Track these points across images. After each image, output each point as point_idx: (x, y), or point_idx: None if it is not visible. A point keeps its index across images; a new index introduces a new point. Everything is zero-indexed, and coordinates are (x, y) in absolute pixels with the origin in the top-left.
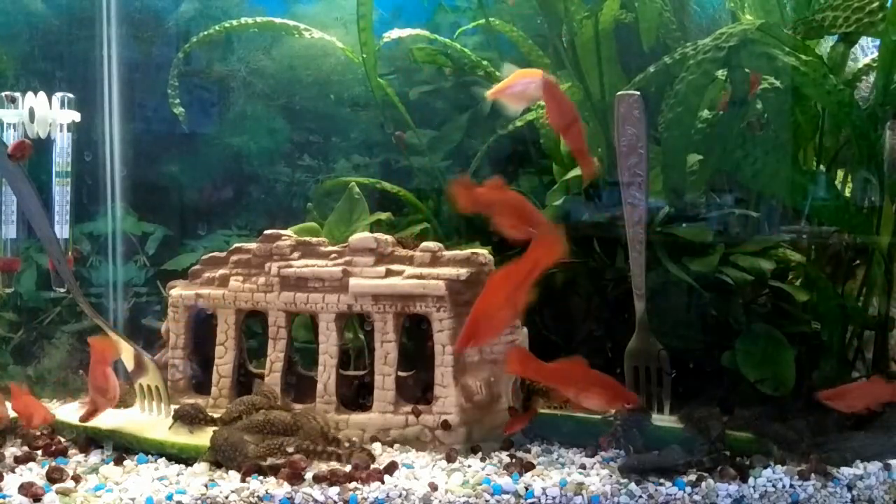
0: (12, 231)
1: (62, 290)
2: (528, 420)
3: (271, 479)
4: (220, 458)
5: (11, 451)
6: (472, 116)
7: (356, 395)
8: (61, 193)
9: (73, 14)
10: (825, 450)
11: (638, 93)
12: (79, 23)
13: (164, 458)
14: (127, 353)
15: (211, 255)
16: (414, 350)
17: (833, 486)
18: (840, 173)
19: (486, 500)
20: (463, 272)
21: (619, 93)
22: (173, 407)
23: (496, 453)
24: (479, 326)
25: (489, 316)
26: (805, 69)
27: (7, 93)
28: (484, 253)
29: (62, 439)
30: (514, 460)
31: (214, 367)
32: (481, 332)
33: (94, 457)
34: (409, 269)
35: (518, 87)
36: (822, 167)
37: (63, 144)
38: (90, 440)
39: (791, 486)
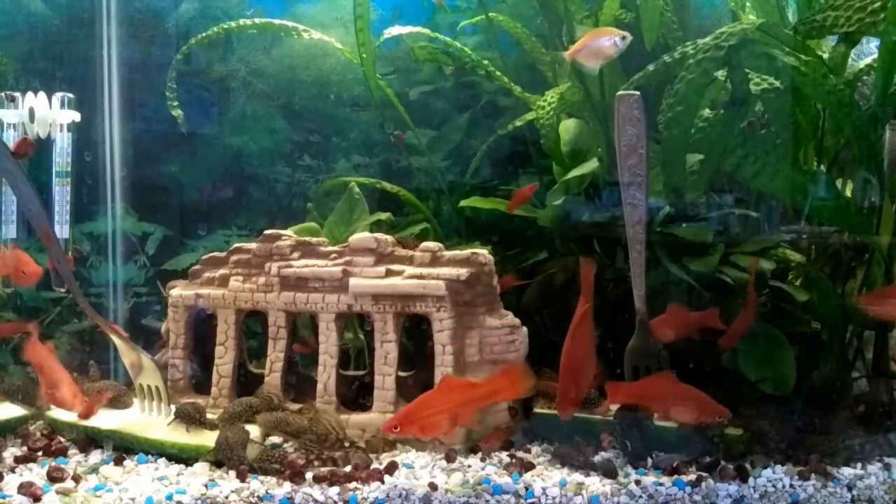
0: (12, 231)
1: (62, 290)
2: (505, 436)
3: (271, 479)
4: (222, 456)
5: (11, 451)
6: (472, 116)
7: (356, 395)
8: (61, 193)
9: (73, 14)
10: (808, 450)
11: (638, 93)
12: (79, 23)
13: (164, 458)
14: (128, 353)
15: (211, 255)
16: (414, 350)
17: (833, 486)
18: (840, 173)
19: (486, 500)
20: (463, 272)
21: (619, 93)
22: (173, 407)
23: (496, 453)
24: (413, 417)
25: (426, 414)
26: (805, 69)
27: (7, 92)
28: (484, 253)
29: (62, 439)
30: (514, 460)
31: (214, 367)
32: (413, 423)
33: (94, 457)
34: (409, 269)
35: (594, 45)
36: (822, 167)
37: (63, 144)
38: (90, 440)
39: (791, 486)
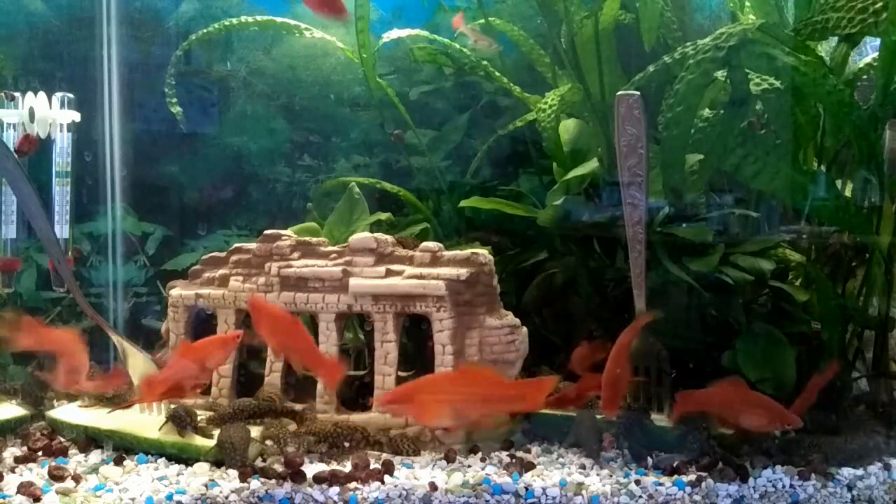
0: (12, 231)
1: (62, 290)
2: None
3: (271, 479)
4: (224, 456)
5: (11, 451)
6: (472, 116)
7: (356, 395)
8: (61, 193)
9: (73, 14)
10: (806, 450)
11: (638, 93)
12: (79, 23)
13: (164, 458)
14: (131, 356)
15: (211, 255)
16: (414, 350)
17: (833, 486)
18: (840, 173)
19: (486, 500)
20: (463, 272)
21: (619, 93)
22: (173, 406)
23: (496, 453)
24: (413, 395)
25: (429, 397)
26: (805, 69)
27: (7, 92)
28: (484, 253)
29: (62, 439)
30: (514, 460)
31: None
32: (411, 403)
33: (94, 457)
34: (409, 269)
35: None
36: (822, 167)
37: (63, 144)
38: (90, 440)
39: (791, 486)
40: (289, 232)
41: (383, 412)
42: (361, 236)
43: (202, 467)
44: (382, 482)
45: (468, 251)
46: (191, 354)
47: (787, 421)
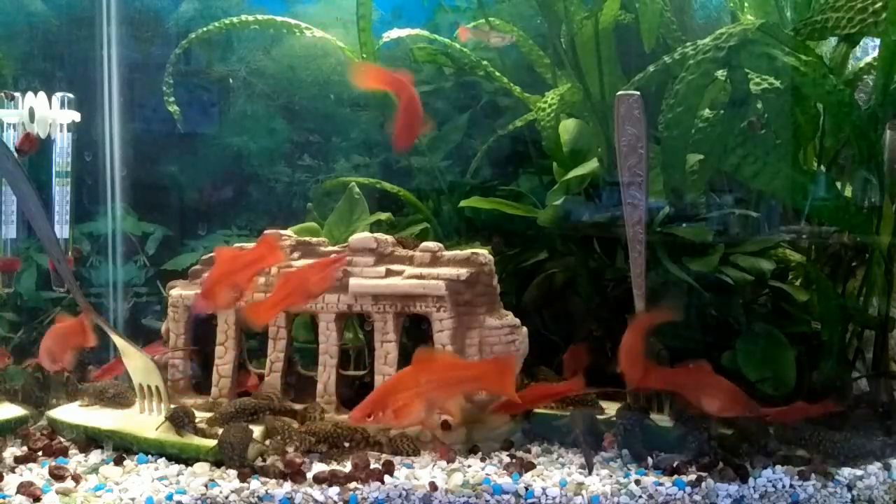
0: (12, 231)
1: (62, 290)
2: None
3: (271, 479)
4: (224, 457)
5: (11, 450)
6: (472, 116)
7: (356, 395)
8: (61, 193)
9: (73, 14)
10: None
11: (638, 93)
12: (79, 23)
13: (164, 458)
14: (131, 356)
15: (211, 255)
16: (414, 350)
17: (833, 486)
18: (840, 173)
19: (486, 500)
20: (463, 272)
21: (619, 93)
22: (173, 407)
23: (496, 453)
24: (386, 400)
25: (399, 397)
26: (805, 69)
27: (7, 91)
28: (484, 253)
29: (62, 439)
30: (514, 460)
31: (214, 367)
32: (386, 408)
33: (94, 457)
34: (409, 269)
35: None
36: (822, 167)
37: (63, 144)
38: (90, 440)
39: (791, 486)
40: (289, 232)
41: (369, 422)
42: (361, 236)
43: (202, 467)
44: (382, 482)
45: (468, 251)
46: (293, 280)
47: (746, 408)
